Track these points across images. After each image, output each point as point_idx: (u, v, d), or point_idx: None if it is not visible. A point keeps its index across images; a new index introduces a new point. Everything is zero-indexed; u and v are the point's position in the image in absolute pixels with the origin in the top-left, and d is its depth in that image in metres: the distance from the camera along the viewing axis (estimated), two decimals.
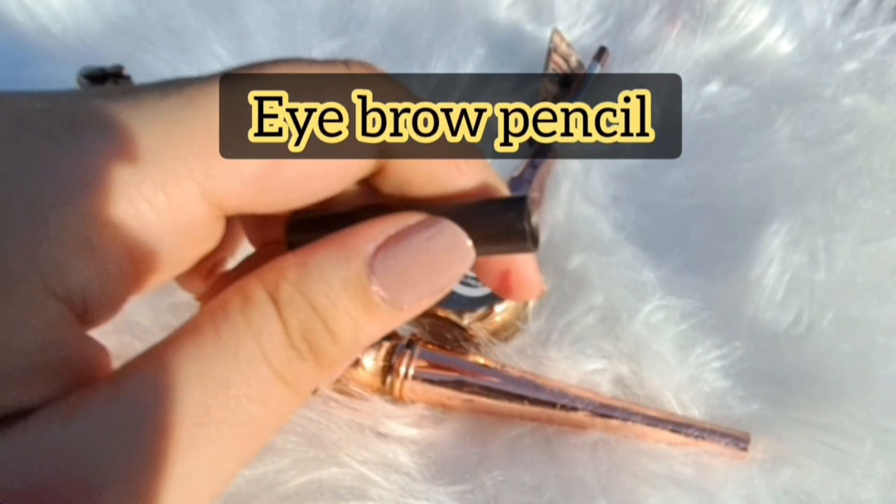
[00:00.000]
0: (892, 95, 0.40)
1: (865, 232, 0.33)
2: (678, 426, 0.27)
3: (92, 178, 0.14)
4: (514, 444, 0.28)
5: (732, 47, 0.43)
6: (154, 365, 0.14)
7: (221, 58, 0.38)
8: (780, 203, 0.34)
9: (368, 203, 0.19)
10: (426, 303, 0.16)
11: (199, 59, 0.37)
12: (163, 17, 0.40)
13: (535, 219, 0.17)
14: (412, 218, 0.16)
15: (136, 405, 0.14)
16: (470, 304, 0.29)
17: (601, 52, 0.42)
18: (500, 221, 0.17)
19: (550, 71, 0.40)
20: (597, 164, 0.36)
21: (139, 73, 0.32)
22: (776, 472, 0.27)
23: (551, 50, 0.41)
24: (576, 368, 0.29)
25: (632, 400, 0.28)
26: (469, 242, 0.17)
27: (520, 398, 0.27)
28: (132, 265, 0.15)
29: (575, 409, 0.27)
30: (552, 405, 0.27)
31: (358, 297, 0.15)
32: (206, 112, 0.15)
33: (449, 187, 0.18)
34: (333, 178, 0.17)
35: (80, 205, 0.14)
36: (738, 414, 0.28)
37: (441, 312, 0.29)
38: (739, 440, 0.27)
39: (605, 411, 0.27)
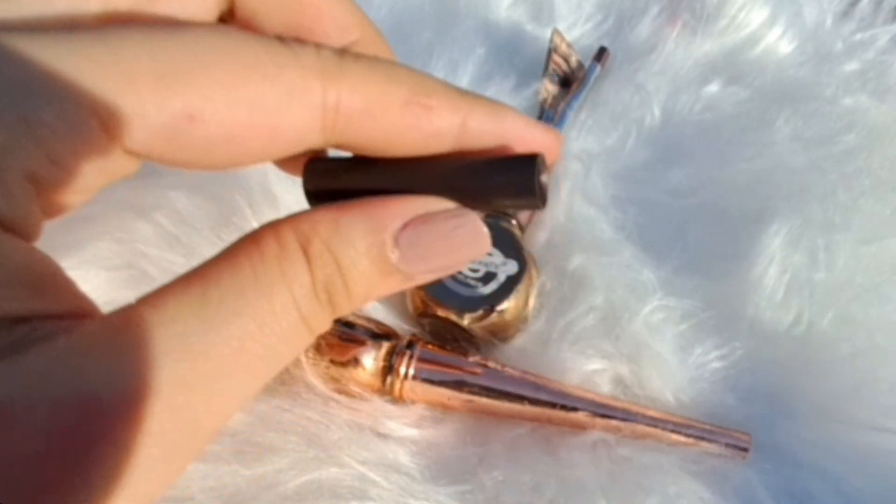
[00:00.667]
0: (893, 95, 0.39)
1: (866, 232, 0.33)
2: (678, 426, 0.27)
3: None
4: (514, 444, 0.28)
5: (733, 47, 0.43)
6: (195, 293, 0.15)
7: None
8: (780, 203, 0.34)
9: (389, 157, 0.18)
10: (435, 277, 0.18)
11: None
12: None
13: (544, 177, 0.17)
14: (442, 204, 0.18)
15: (179, 331, 0.15)
16: (470, 303, 0.29)
17: (601, 53, 0.42)
18: (510, 180, 0.17)
19: (550, 71, 0.40)
20: (597, 164, 0.36)
21: None
22: (776, 472, 0.27)
23: (551, 50, 0.41)
24: (576, 368, 0.29)
25: (632, 400, 0.28)
26: (487, 234, 0.18)
27: (520, 398, 0.27)
28: (35, 187, 0.15)
29: (575, 409, 0.27)
30: (552, 405, 0.27)
31: (377, 264, 0.17)
32: (116, 50, 0.15)
33: (418, 135, 0.18)
34: (264, 142, 0.17)
35: None
36: (738, 414, 0.28)
37: (441, 312, 0.29)
38: (739, 440, 0.27)
39: (605, 411, 0.27)
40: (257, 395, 0.27)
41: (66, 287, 0.16)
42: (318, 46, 0.17)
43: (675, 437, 0.27)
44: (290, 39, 0.17)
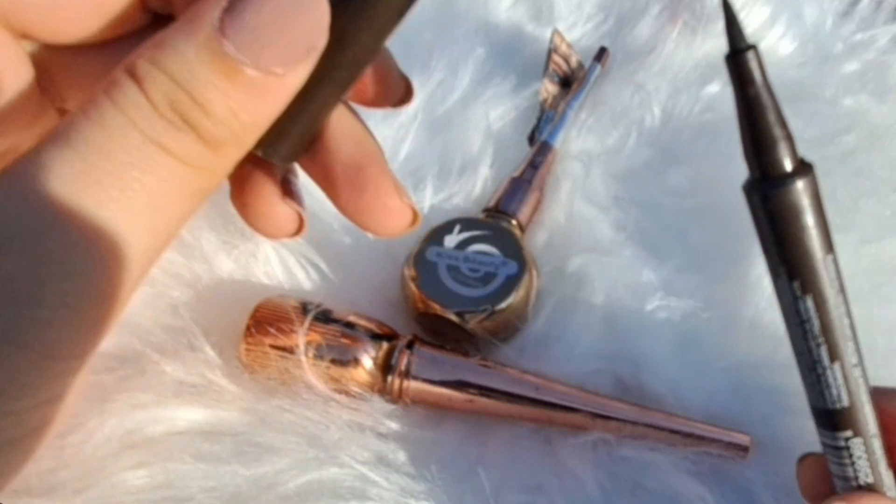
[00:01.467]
0: (893, 96, 0.39)
1: (866, 233, 0.33)
2: (678, 427, 0.27)
3: None
4: (514, 444, 0.28)
5: None
6: (60, 142, 0.15)
7: None
8: None
9: None
10: (296, 65, 0.16)
11: None
12: None
13: None
14: None
15: (50, 175, 0.15)
16: (470, 304, 0.29)
17: (601, 53, 0.42)
18: None
19: (550, 71, 0.40)
20: (597, 164, 0.36)
21: None
22: (776, 472, 0.27)
23: (551, 50, 0.41)
24: (576, 368, 0.29)
25: (632, 400, 0.28)
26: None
27: (520, 398, 0.27)
28: None
29: (575, 409, 0.27)
30: (552, 405, 0.27)
31: (215, 63, 0.15)
32: None
33: None
34: None
35: None
36: (738, 414, 0.28)
37: (441, 312, 0.29)
38: (739, 440, 0.27)
39: (605, 411, 0.27)
40: (259, 396, 0.27)
41: None
42: None
43: (675, 437, 0.27)
44: None
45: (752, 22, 0.44)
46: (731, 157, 0.36)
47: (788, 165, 0.13)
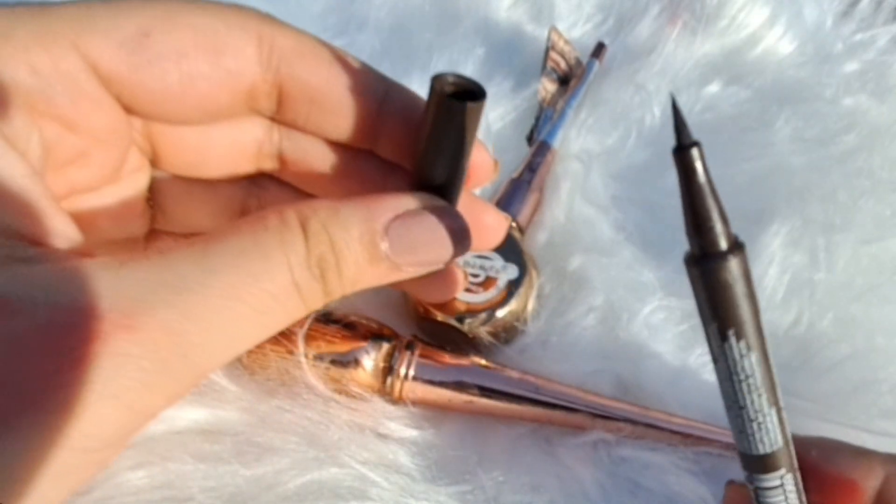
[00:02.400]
0: (893, 96, 0.39)
1: (865, 232, 0.33)
2: (678, 426, 0.27)
3: None
4: (514, 444, 0.28)
5: (733, 48, 0.43)
6: (197, 247, 0.17)
7: None
8: (780, 203, 0.34)
9: None
10: (421, 271, 0.20)
11: None
12: None
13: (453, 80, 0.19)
14: (433, 202, 0.20)
15: (180, 273, 0.16)
16: (470, 309, 0.29)
17: (599, 49, 0.42)
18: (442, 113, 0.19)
19: (548, 69, 0.40)
20: (597, 165, 0.36)
21: None
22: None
23: (549, 48, 0.41)
24: (576, 369, 0.29)
25: (632, 400, 0.28)
26: (470, 232, 0.20)
27: (520, 399, 0.27)
28: (30, 110, 0.18)
29: (575, 409, 0.27)
30: (552, 406, 0.27)
31: (368, 250, 0.18)
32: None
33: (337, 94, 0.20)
34: (210, 63, 0.19)
35: None
36: None
37: (441, 318, 0.29)
38: None
39: (605, 411, 0.27)
40: (259, 396, 0.27)
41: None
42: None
43: (675, 437, 0.27)
44: None
45: (752, 22, 0.44)
46: (730, 158, 0.37)
47: (724, 244, 0.16)
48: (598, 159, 0.36)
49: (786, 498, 0.20)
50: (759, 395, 0.18)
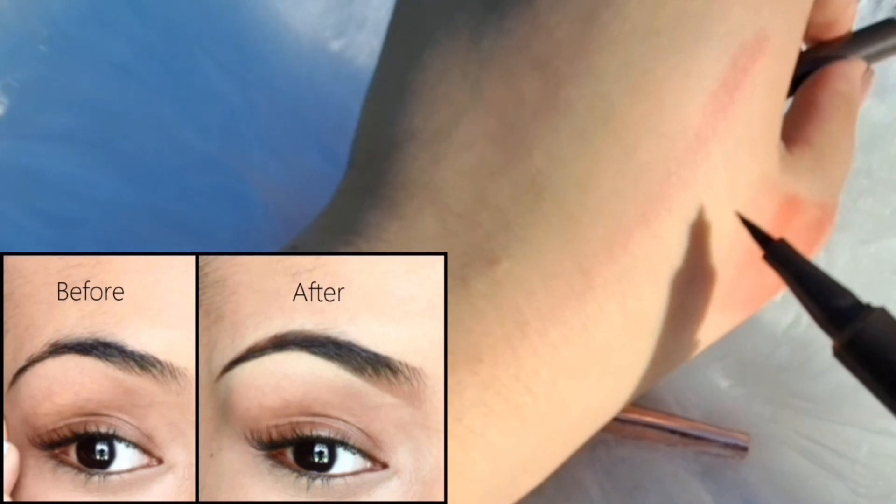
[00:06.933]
0: (892, 95, 0.39)
1: (865, 232, 0.33)
2: (678, 427, 0.27)
3: None
4: None
5: None
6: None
7: (218, 59, 0.38)
8: None
9: None
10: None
11: (197, 59, 0.37)
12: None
13: None
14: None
15: None
16: None
17: None
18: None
19: None
20: None
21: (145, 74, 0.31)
22: (776, 472, 0.27)
23: None
24: None
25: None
26: None
27: None
28: None
29: None
30: None
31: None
32: None
33: None
34: None
35: None
36: (738, 414, 0.28)
37: None
38: (739, 440, 0.27)
39: None
40: None
41: None
42: None
43: (674, 437, 0.27)
44: None
45: None
46: None
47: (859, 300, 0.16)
48: None
49: None
50: None
